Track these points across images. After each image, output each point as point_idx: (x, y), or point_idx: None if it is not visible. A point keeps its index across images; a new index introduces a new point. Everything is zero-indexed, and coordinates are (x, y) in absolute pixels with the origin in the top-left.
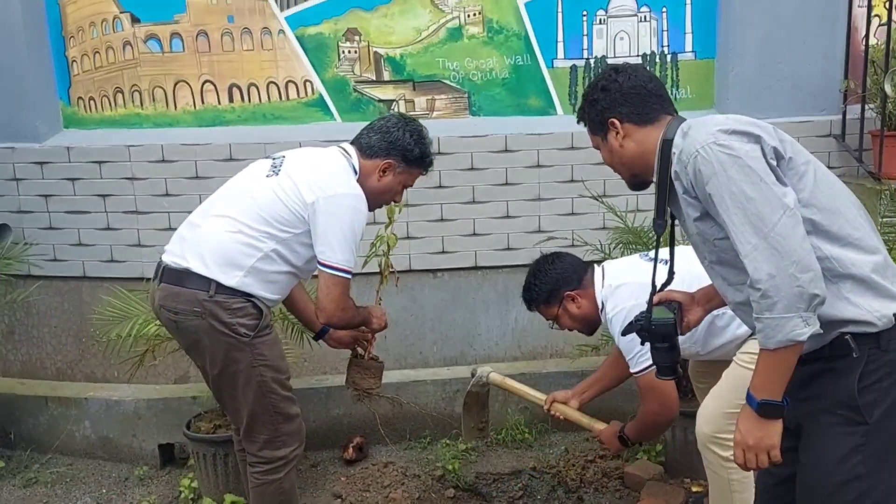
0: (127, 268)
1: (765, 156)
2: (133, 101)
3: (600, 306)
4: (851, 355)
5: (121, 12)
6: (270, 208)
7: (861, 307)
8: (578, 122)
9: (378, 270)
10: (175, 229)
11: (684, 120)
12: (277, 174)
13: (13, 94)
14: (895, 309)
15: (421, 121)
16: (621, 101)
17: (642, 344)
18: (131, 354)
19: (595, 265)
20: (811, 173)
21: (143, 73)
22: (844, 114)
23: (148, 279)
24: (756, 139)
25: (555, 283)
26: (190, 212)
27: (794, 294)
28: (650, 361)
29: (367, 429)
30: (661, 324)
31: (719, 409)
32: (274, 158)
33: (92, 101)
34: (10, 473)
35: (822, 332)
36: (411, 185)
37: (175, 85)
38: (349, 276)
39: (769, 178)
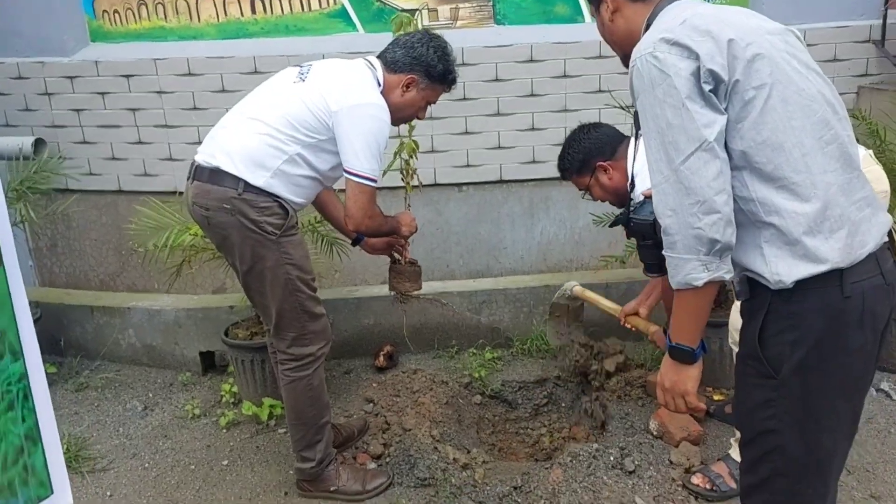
0: (160, 181)
1: (698, 77)
2: (157, 14)
3: (629, 179)
4: (748, 298)
5: None
6: (296, 113)
7: (767, 263)
8: None
9: (402, 184)
10: None
11: None
12: (304, 81)
13: (39, 7)
14: (803, 274)
15: (444, 31)
16: None
17: (628, 238)
18: (169, 265)
19: (633, 137)
20: (760, 100)
21: None
22: (885, 18)
23: (181, 192)
24: (695, 57)
25: (587, 152)
26: None
27: (692, 235)
28: None
29: (397, 338)
30: (640, 222)
31: None
32: (301, 66)
33: (117, 14)
34: (62, 379)
35: (727, 278)
36: (434, 102)
37: None
38: (374, 184)
39: (694, 103)
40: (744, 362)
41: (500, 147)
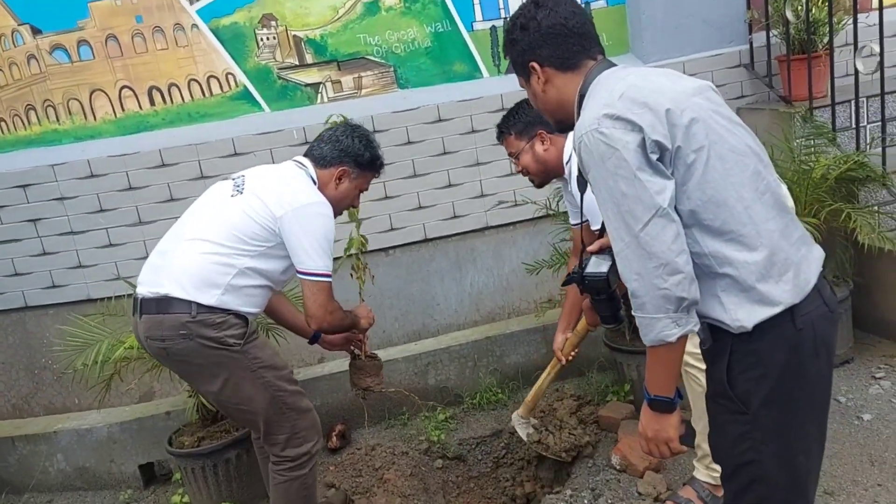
0: (71, 291)
1: (645, 148)
2: (48, 117)
3: (566, 159)
4: (712, 342)
5: (19, 24)
6: (242, 225)
7: (727, 310)
8: (505, 57)
9: (350, 271)
10: (115, 244)
11: (606, 66)
12: (242, 193)
13: None
14: (761, 317)
15: (350, 100)
16: (540, 42)
17: (582, 294)
18: (98, 380)
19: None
20: (701, 161)
21: (53, 87)
22: (751, 43)
23: (95, 299)
24: (639, 130)
25: (535, 117)
26: (128, 225)
27: (659, 296)
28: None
29: (346, 414)
30: (593, 278)
31: None
32: (234, 179)
33: (3, 123)
34: None
35: (696, 330)
36: (366, 189)
37: (91, 94)
38: (329, 280)
39: (644, 173)
40: (714, 401)
41: (420, 207)
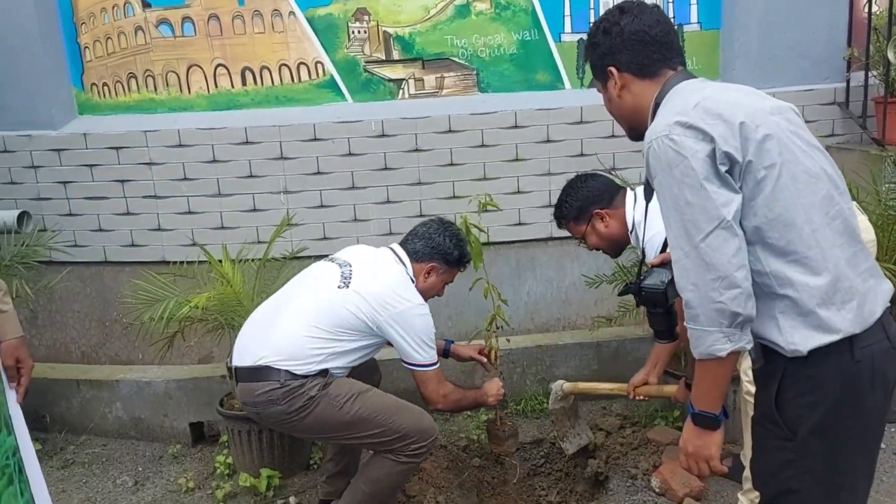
0: (148, 251)
1: (714, 159)
2: (147, 87)
3: (630, 227)
4: (764, 363)
5: None
6: (344, 319)
7: (783, 333)
8: (585, 62)
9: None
10: (194, 213)
11: (685, 77)
12: (348, 287)
13: (27, 82)
14: (818, 343)
15: (430, 99)
16: (621, 47)
17: (638, 306)
18: (161, 336)
19: (629, 188)
20: (772, 179)
21: (155, 58)
22: (848, 81)
23: (169, 262)
24: (710, 140)
25: (585, 200)
26: (208, 195)
27: (714, 309)
28: None
29: None
30: (651, 290)
31: None
32: (340, 266)
33: (105, 87)
34: (47, 455)
35: (748, 348)
36: (452, 282)
37: (188, 69)
38: (435, 367)
39: (711, 184)
40: (761, 425)
41: (486, 210)
